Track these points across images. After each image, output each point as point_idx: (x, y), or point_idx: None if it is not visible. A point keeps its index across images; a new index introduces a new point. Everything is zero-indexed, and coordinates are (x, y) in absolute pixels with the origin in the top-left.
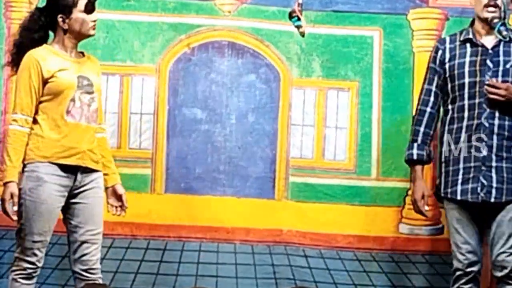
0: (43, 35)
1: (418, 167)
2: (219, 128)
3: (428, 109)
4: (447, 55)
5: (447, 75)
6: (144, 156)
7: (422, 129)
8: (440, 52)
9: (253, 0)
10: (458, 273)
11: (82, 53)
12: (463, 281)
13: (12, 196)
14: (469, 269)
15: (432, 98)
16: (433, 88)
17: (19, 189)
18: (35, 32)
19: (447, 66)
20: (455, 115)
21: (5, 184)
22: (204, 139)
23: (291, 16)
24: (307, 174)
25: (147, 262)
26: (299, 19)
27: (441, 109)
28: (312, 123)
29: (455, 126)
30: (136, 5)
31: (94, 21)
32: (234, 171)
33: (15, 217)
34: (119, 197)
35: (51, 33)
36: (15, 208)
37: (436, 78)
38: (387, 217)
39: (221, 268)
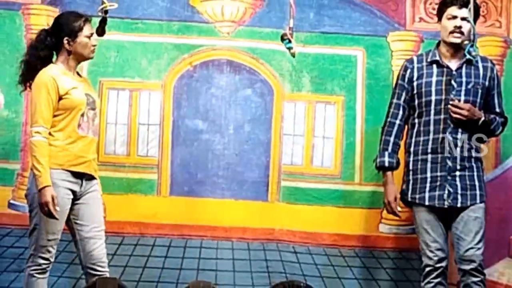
0: (48, 54)
1: (389, 173)
2: (218, 138)
3: (397, 122)
4: (415, 74)
5: (415, 92)
6: (151, 163)
7: (392, 139)
8: (408, 70)
9: (249, 22)
10: (428, 268)
11: (78, 73)
12: (433, 275)
13: (53, 198)
14: (438, 265)
15: (400, 112)
16: (401, 102)
17: (34, 193)
18: (41, 50)
19: (415, 84)
20: (422, 128)
21: (42, 189)
22: (205, 147)
23: (282, 39)
24: (297, 179)
25: (153, 257)
26: (290, 41)
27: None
28: (302, 133)
29: (422, 138)
30: (143, 27)
31: (94, 45)
32: (232, 176)
33: (58, 216)
34: None
35: None
36: (58, 208)
37: (404, 94)
38: (369, 217)
39: (220, 263)
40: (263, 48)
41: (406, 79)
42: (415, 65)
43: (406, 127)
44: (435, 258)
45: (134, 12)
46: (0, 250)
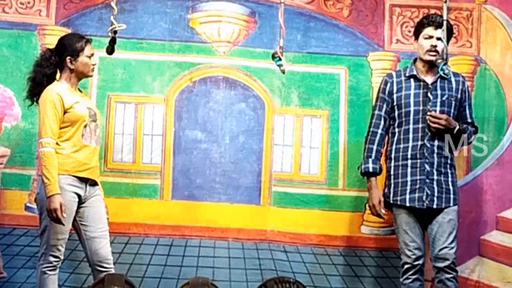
0: (53, 72)
1: (373, 178)
2: (215, 147)
3: (379, 131)
4: (395, 87)
5: (395, 103)
6: (155, 170)
7: (375, 147)
8: (388, 84)
9: (243, 43)
10: (406, 266)
11: (79, 89)
12: (411, 272)
13: (61, 205)
14: (416, 263)
15: (382, 122)
16: (383, 113)
17: (43, 197)
18: (46, 67)
19: (394, 96)
20: (402, 136)
21: (51, 196)
22: (203, 156)
23: (273, 57)
24: (287, 185)
25: (157, 255)
26: (280, 59)
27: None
28: (291, 144)
29: (402, 145)
30: (148, 47)
31: (94, 64)
32: (228, 182)
33: (66, 221)
34: None
35: None
36: (65, 215)
37: (384, 106)
38: (352, 220)
39: (217, 260)
40: (255, 67)
41: (387, 92)
42: (394, 79)
43: (387, 136)
44: (413, 257)
45: (139, 33)
46: (17, 248)
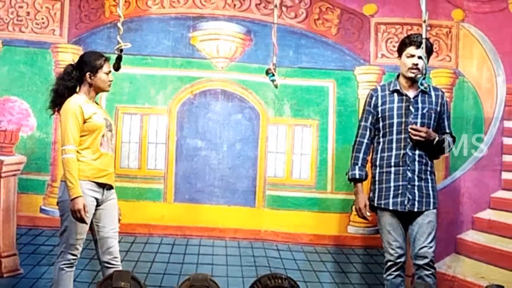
0: (74, 85)
1: (359, 184)
2: (214, 154)
3: (365, 141)
4: (380, 101)
5: (379, 116)
6: (159, 175)
7: (361, 155)
8: (374, 98)
9: (240, 59)
10: (389, 263)
11: (96, 102)
12: (393, 269)
13: (84, 206)
14: (398, 260)
15: (367, 132)
16: (368, 125)
17: (65, 201)
18: (68, 81)
19: (379, 109)
20: (386, 146)
21: (75, 199)
22: (203, 162)
23: (267, 73)
24: (280, 188)
25: (160, 253)
26: (273, 75)
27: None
28: (283, 151)
29: (386, 154)
30: (152, 62)
31: (111, 81)
32: (225, 186)
33: (88, 221)
34: None
35: None
36: (88, 215)
37: (370, 117)
38: (339, 220)
39: (215, 258)
40: (251, 80)
41: (372, 105)
42: (379, 93)
43: (372, 145)
44: (396, 255)
45: (144, 49)
46: (33, 247)
